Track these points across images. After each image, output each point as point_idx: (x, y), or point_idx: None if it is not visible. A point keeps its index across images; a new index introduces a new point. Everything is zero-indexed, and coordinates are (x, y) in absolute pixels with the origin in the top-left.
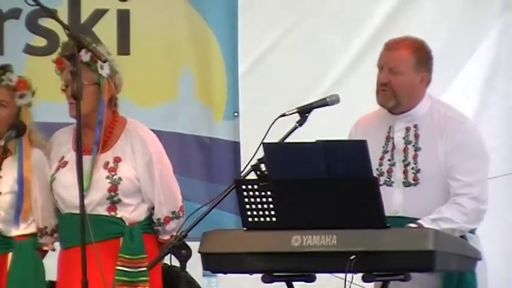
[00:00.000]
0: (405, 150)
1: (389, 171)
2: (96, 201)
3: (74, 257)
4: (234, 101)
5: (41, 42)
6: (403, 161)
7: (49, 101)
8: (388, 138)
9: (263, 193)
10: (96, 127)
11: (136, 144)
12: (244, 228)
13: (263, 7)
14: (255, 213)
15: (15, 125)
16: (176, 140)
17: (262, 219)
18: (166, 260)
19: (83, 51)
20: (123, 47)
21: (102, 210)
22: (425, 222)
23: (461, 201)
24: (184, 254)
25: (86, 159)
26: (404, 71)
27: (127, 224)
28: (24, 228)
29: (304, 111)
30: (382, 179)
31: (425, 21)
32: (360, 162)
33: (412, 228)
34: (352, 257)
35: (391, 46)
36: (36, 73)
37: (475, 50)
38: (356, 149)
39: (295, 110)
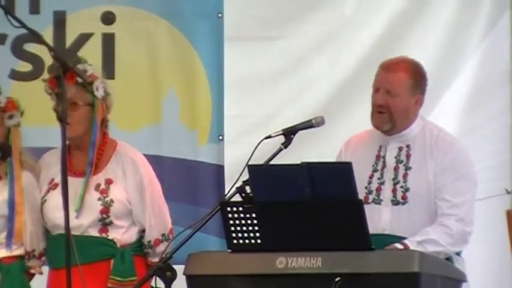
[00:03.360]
0: (396, 169)
1: (378, 190)
2: (87, 223)
3: (62, 278)
4: (219, 124)
5: (26, 67)
6: (393, 179)
7: (35, 126)
8: (379, 157)
9: (248, 215)
10: (89, 148)
11: (128, 166)
12: (229, 250)
13: (250, 29)
14: (240, 235)
15: (1, 146)
16: (160, 163)
17: (247, 241)
18: (152, 281)
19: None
20: (108, 71)
21: (94, 232)
22: (412, 244)
23: (448, 223)
24: (169, 276)
25: (78, 181)
26: (401, 93)
27: (118, 245)
28: (11, 251)
29: (289, 133)
30: (370, 197)
31: (412, 44)
32: (345, 184)
33: (397, 250)
34: (337, 279)
35: (389, 68)
36: (22, 98)
37: (460, 72)
38: (341, 171)
39: (280, 132)
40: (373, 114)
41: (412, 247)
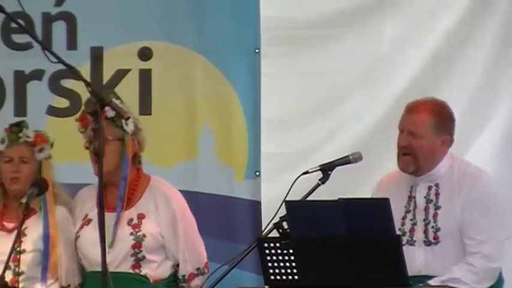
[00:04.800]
0: (426, 209)
1: (412, 231)
2: (120, 258)
3: None
4: (256, 160)
5: (63, 103)
6: (424, 220)
7: (72, 162)
8: (410, 198)
9: (285, 251)
10: (119, 183)
11: (160, 201)
12: (266, 287)
13: (287, 64)
14: (277, 271)
15: (37, 182)
16: (196, 199)
17: (284, 277)
18: None
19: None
20: (145, 107)
21: (127, 268)
22: (436, 284)
23: (472, 261)
24: None
25: (110, 216)
26: (424, 134)
27: (151, 281)
28: (47, 286)
29: (326, 169)
30: (404, 239)
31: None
32: (382, 220)
33: None
34: None
35: (412, 109)
36: (59, 134)
37: (496, 111)
38: (378, 207)
39: (318, 168)
40: (398, 157)
41: None
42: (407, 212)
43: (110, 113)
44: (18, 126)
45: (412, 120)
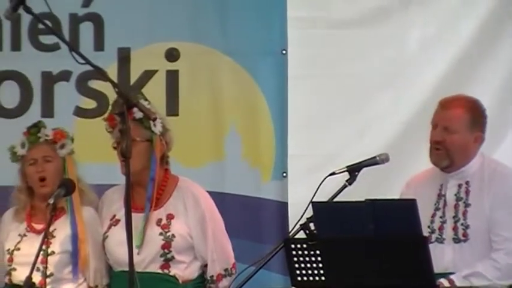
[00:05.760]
0: (456, 206)
1: (441, 228)
2: (149, 259)
3: None
4: (283, 161)
5: (90, 104)
6: (454, 217)
7: (99, 163)
8: (440, 196)
9: (312, 252)
10: (148, 184)
11: (189, 201)
12: None
13: (314, 65)
14: (303, 272)
15: (65, 183)
16: (223, 200)
17: (311, 278)
18: None
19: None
20: (172, 108)
21: (156, 268)
22: (457, 279)
23: (496, 256)
24: None
25: (139, 217)
26: (459, 129)
27: (180, 281)
28: (77, 286)
29: (353, 170)
30: (433, 236)
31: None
32: (409, 221)
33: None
34: None
35: (446, 105)
36: (86, 135)
37: None
38: (405, 208)
39: (345, 169)
40: (431, 151)
41: (457, 282)
42: (437, 209)
43: (137, 114)
44: (36, 127)
45: (447, 116)
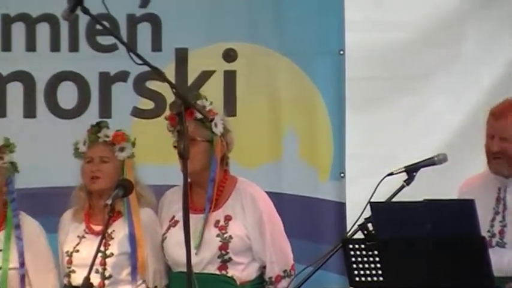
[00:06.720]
0: None
1: (501, 232)
2: (206, 260)
3: None
4: (341, 161)
5: (148, 105)
6: None
7: (157, 164)
8: (499, 200)
9: (370, 252)
10: (208, 185)
11: (247, 202)
12: None
13: (371, 66)
14: (362, 272)
15: (122, 184)
16: (281, 200)
17: (369, 278)
18: None
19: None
20: (230, 109)
21: (213, 269)
22: None
23: None
24: None
25: (197, 218)
26: None
27: (238, 283)
28: (137, 287)
29: (411, 170)
30: (494, 241)
31: None
32: (468, 221)
33: None
34: None
35: (499, 115)
36: (144, 136)
37: None
38: (463, 208)
39: (403, 169)
40: (489, 161)
41: None
42: (496, 213)
43: (198, 114)
44: (98, 127)
45: (502, 127)
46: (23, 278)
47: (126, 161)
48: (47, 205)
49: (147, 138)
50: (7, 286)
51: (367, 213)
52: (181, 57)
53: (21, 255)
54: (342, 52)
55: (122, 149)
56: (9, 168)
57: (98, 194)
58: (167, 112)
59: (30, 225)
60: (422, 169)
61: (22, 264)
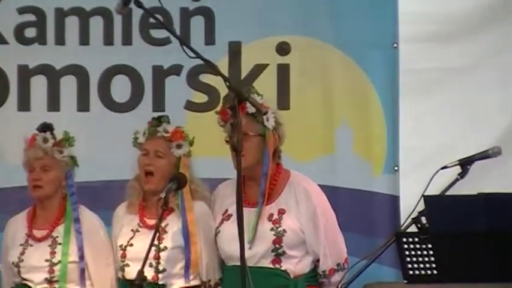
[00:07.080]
0: None
1: None
2: (260, 254)
3: None
4: (394, 155)
5: (201, 98)
6: None
7: (210, 157)
8: None
9: (423, 246)
10: (261, 179)
11: (301, 196)
12: (405, 281)
13: (425, 59)
14: (415, 265)
15: (176, 177)
16: (335, 193)
17: (423, 271)
18: None
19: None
20: (283, 102)
21: (267, 263)
22: None
23: None
24: None
25: (251, 212)
26: None
27: (292, 276)
28: (189, 281)
29: (465, 164)
30: None
31: None
32: None
33: None
34: None
35: None
36: (197, 129)
37: None
38: None
39: (457, 162)
40: None
41: None
42: None
43: (250, 108)
44: (158, 121)
45: None
46: (82, 271)
47: (182, 158)
48: (100, 199)
49: (201, 132)
50: (66, 280)
51: (421, 206)
52: (235, 51)
53: (80, 248)
54: (395, 45)
55: (179, 146)
56: (69, 162)
57: (150, 192)
58: (220, 105)
59: (90, 219)
60: (476, 162)
61: (81, 257)
